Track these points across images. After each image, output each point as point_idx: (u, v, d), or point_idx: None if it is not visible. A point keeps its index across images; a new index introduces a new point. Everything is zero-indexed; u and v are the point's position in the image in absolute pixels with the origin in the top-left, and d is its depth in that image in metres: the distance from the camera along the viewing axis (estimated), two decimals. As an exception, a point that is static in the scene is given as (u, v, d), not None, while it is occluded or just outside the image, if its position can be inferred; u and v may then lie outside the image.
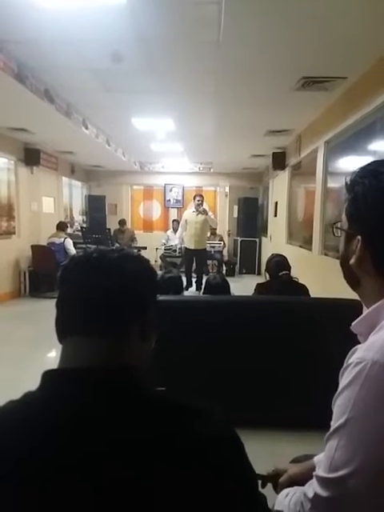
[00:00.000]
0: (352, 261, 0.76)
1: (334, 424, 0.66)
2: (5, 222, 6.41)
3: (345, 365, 0.68)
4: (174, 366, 2.29)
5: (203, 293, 3.29)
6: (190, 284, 6.95)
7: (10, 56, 3.53)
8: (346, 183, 0.79)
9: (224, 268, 9.22)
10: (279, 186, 7.53)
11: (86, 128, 5.72)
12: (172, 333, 2.34)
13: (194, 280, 7.04)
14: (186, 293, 6.41)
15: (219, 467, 0.58)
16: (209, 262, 8.45)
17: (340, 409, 0.65)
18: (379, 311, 0.71)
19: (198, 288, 6.79)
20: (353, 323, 0.77)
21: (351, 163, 4.13)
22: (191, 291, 6.78)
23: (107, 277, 0.66)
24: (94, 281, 0.66)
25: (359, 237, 0.74)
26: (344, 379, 0.66)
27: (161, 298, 2.75)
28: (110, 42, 3.25)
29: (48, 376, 0.63)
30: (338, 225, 0.81)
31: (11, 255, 6.55)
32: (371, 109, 3.35)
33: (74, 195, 9.72)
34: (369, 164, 0.78)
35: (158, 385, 0.65)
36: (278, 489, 0.96)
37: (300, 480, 0.83)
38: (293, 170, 6.58)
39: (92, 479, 0.55)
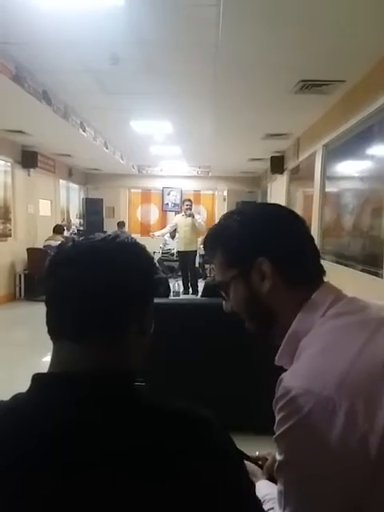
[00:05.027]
0: (265, 288, 0.70)
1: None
2: (1, 224, 6.37)
3: (276, 394, 0.62)
4: (167, 367, 2.26)
5: (202, 295, 3.26)
6: (186, 288, 6.92)
7: (8, 57, 3.51)
8: (208, 247, 0.79)
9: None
10: (277, 190, 7.53)
11: (84, 130, 5.70)
12: (165, 336, 2.32)
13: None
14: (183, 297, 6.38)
15: (216, 484, 0.54)
16: (207, 265, 8.41)
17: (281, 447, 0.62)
18: (294, 337, 0.68)
19: (194, 291, 6.76)
20: (276, 358, 0.73)
21: (349, 167, 4.12)
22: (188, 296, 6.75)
23: (98, 273, 0.59)
24: (85, 279, 0.59)
25: (262, 258, 0.69)
26: (277, 413, 0.61)
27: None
28: (109, 44, 3.24)
29: (37, 380, 0.59)
30: (228, 277, 0.74)
31: (7, 258, 6.50)
32: (369, 112, 3.35)
33: (71, 198, 9.68)
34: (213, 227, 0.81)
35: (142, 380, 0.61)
36: (263, 470, 0.92)
37: None
38: (291, 174, 6.58)
39: (83, 491, 0.51)
